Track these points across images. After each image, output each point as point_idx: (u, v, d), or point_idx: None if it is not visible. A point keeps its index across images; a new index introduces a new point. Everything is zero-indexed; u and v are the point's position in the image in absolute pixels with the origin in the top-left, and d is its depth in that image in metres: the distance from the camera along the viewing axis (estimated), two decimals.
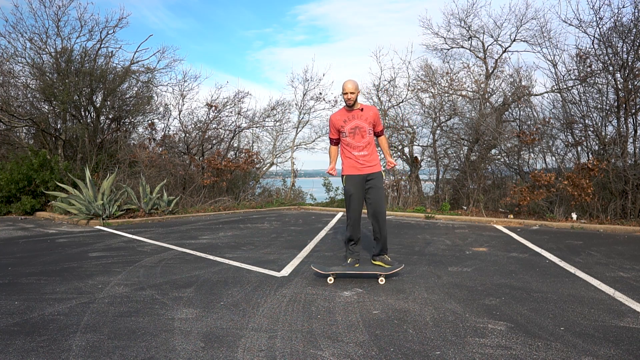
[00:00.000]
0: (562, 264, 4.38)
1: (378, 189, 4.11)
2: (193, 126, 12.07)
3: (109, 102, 11.42)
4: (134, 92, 11.99)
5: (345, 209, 4.37)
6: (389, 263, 4.18)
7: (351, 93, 3.98)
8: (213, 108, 11.92)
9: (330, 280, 3.66)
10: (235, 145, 12.57)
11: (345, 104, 4.10)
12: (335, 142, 4.30)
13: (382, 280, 3.64)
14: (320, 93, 12.83)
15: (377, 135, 4.32)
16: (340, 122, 4.12)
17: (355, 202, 4.11)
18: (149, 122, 12.42)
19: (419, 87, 11.67)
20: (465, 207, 9.37)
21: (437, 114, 11.51)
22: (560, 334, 2.51)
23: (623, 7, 8.38)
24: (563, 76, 9.04)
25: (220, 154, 11.50)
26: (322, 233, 6.62)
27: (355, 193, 4.10)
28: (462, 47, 11.30)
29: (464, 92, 11.17)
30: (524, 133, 9.17)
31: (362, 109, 4.11)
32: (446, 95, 11.37)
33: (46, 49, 10.58)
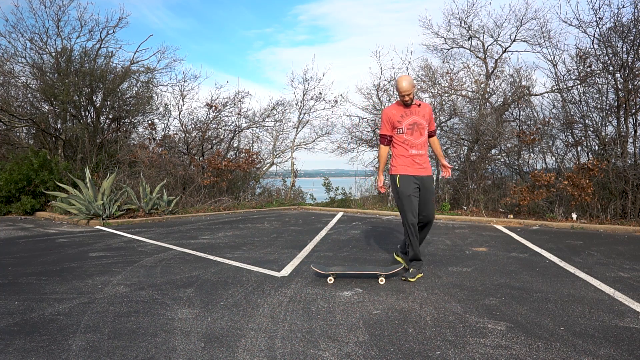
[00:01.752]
0: (562, 264, 4.38)
1: (431, 193, 3.79)
2: (193, 126, 12.08)
3: (109, 102, 11.42)
4: (134, 92, 12.00)
5: (400, 214, 3.85)
6: (412, 275, 3.73)
7: (408, 94, 3.64)
8: (213, 108, 11.92)
9: (330, 280, 3.66)
10: (235, 145, 12.58)
11: (402, 103, 3.75)
12: (388, 140, 3.84)
13: (382, 281, 3.64)
14: (320, 93, 12.84)
15: (430, 135, 3.96)
16: (397, 116, 3.75)
17: (414, 204, 3.69)
18: (149, 122, 12.43)
19: (419, 87, 11.67)
20: (465, 207, 9.37)
21: (437, 114, 11.50)
22: (560, 334, 2.51)
23: (623, 7, 8.38)
24: (563, 76, 9.05)
25: (220, 154, 11.50)
26: (322, 233, 6.62)
27: (413, 194, 3.69)
28: (462, 47, 11.30)
29: (464, 92, 11.17)
30: (524, 133, 9.17)
31: (419, 105, 3.78)
32: (446, 95, 11.37)
33: (46, 49, 10.59)
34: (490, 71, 10.99)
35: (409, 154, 3.75)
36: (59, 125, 10.99)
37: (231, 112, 12.37)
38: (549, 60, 9.25)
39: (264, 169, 13.05)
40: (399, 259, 4.19)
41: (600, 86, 8.35)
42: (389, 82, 12.02)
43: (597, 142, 8.39)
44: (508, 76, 10.88)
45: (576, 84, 8.80)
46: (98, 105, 11.12)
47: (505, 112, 10.50)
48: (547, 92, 9.75)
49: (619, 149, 7.88)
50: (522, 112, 10.17)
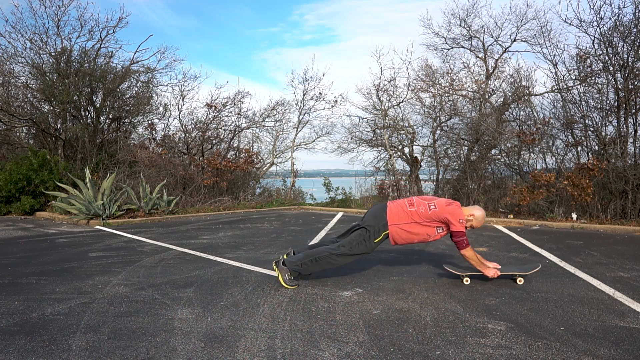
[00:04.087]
0: (562, 264, 4.38)
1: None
2: (193, 126, 12.08)
3: (108, 102, 11.42)
4: (134, 92, 11.99)
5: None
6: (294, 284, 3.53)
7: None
8: (213, 108, 11.92)
9: (467, 281, 3.62)
10: (235, 145, 12.58)
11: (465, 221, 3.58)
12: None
13: (520, 281, 3.60)
14: (320, 93, 12.84)
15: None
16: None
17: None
18: (149, 122, 12.42)
19: (419, 87, 11.68)
20: None
21: (437, 114, 11.51)
22: (560, 334, 2.51)
23: (624, 7, 8.39)
24: (563, 76, 9.05)
25: (220, 154, 11.50)
26: (322, 233, 6.62)
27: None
28: (463, 47, 11.31)
29: (464, 92, 11.17)
30: (524, 133, 9.17)
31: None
32: (446, 95, 11.37)
33: (46, 49, 10.58)
34: (491, 71, 11.00)
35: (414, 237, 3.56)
36: (59, 125, 10.98)
37: (231, 112, 12.38)
38: (549, 60, 9.27)
39: (264, 169, 13.05)
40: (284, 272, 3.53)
41: (601, 86, 8.35)
42: (389, 82, 12.03)
43: (597, 142, 8.38)
44: (508, 76, 10.89)
45: (576, 84, 8.80)
46: (98, 105, 11.11)
47: (506, 112, 10.51)
48: (547, 92, 9.75)
49: (619, 149, 7.88)
50: (522, 112, 10.18)
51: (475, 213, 3.61)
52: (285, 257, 3.70)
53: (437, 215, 3.45)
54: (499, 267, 3.64)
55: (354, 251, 3.47)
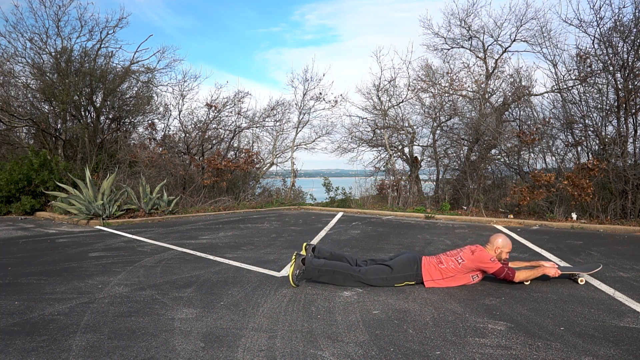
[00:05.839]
0: (562, 264, 4.38)
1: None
2: (193, 126, 12.08)
3: (109, 102, 11.43)
4: (134, 92, 12.00)
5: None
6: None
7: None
8: (213, 108, 11.92)
9: (527, 282, 3.62)
10: (235, 145, 12.58)
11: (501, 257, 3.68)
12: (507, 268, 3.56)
13: (582, 281, 3.60)
14: (320, 93, 12.84)
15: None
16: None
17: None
18: (149, 122, 12.43)
19: (419, 87, 11.68)
20: (465, 207, 9.37)
21: (437, 114, 11.51)
22: (560, 334, 2.51)
23: (624, 7, 8.39)
24: (563, 76, 9.05)
25: (220, 154, 11.50)
26: (322, 233, 6.62)
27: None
28: (462, 47, 11.31)
29: (464, 92, 11.17)
30: (524, 133, 9.18)
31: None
32: (446, 95, 11.37)
33: (46, 49, 10.59)
34: (491, 71, 11.00)
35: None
36: (59, 125, 10.99)
37: (231, 112, 12.38)
38: (549, 60, 9.28)
39: (264, 169, 13.05)
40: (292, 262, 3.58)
41: (601, 86, 8.35)
42: (389, 82, 12.03)
43: (597, 142, 8.38)
44: (508, 76, 10.89)
45: (576, 84, 8.80)
46: (98, 105, 11.12)
47: (505, 112, 10.51)
48: (547, 92, 9.75)
49: (619, 149, 7.88)
50: (522, 112, 10.19)
51: (499, 244, 3.65)
52: (304, 249, 3.79)
53: (467, 267, 3.54)
54: (556, 266, 3.67)
55: (371, 283, 3.55)
